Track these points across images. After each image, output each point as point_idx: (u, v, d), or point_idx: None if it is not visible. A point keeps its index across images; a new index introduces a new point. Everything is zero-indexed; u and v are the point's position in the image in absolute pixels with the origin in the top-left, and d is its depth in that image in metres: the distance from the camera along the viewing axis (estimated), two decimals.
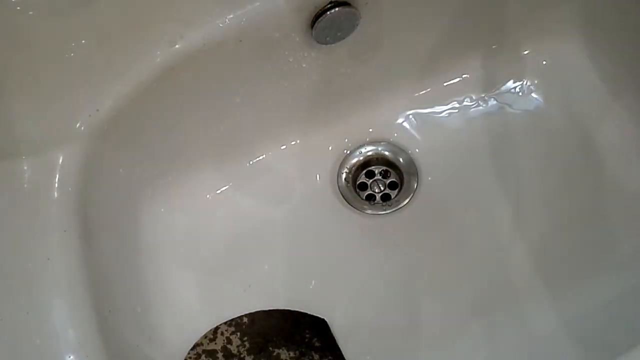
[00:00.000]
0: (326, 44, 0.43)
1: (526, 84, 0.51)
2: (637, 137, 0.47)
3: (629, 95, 0.47)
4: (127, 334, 0.38)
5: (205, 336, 0.40)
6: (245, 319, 0.40)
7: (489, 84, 0.52)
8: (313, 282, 0.47)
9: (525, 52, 0.52)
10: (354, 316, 0.45)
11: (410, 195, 0.49)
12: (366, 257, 0.48)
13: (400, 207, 0.49)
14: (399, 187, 0.50)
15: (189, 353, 0.39)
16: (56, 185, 0.36)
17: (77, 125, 0.38)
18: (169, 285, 0.44)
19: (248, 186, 0.49)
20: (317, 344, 0.39)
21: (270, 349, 0.39)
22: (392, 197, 0.50)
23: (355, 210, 0.49)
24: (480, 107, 0.51)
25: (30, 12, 0.34)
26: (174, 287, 0.44)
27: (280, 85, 0.46)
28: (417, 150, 0.50)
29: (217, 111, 0.45)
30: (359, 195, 0.50)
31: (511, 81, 0.52)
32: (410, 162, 0.50)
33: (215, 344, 0.39)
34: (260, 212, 0.49)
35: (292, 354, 0.38)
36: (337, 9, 0.40)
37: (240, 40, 0.40)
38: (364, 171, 0.51)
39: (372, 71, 0.49)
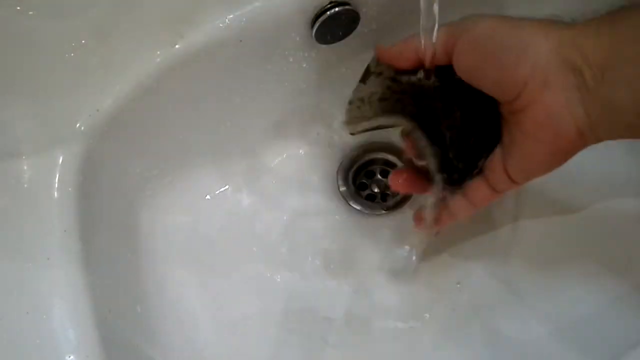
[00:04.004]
0: (326, 43, 0.43)
1: None
2: None
3: None
4: (127, 334, 0.38)
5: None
6: None
7: None
8: (313, 281, 0.47)
9: None
10: (355, 315, 0.45)
11: (410, 195, 0.49)
12: (366, 256, 0.48)
13: (400, 207, 0.49)
14: None
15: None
16: (56, 185, 0.36)
17: (77, 125, 0.38)
18: (169, 285, 0.44)
19: (248, 186, 0.49)
20: None
21: None
22: (392, 197, 0.50)
23: (355, 210, 0.49)
24: None
25: (30, 12, 0.34)
26: (173, 287, 0.44)
27: (280, 85, 0.46)
28: None
29: (217, 111, 0.45)
30: (359, 195, 0.50)
31: None
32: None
33: None
34: (259, 213, 0.49)
35: None
36: (337, 9, 0.40)
37: (240, 40, 0.40)
38: (364, 171, 0.51)
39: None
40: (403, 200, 0.49)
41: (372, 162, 0.51)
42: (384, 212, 0.49)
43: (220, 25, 0.39)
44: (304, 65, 0.45)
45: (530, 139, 0.31)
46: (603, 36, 0.28)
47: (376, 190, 0.51)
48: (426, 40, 0.32)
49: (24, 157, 0.37)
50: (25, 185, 0.36)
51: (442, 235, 0.45)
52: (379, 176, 0.51)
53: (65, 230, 0.35)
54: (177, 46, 0.39)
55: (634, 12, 0.28)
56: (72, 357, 0.32)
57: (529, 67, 0.29)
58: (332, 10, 0.40)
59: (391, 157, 0.51)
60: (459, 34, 0.31)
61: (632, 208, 0.45)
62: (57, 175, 0.37)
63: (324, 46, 0.43)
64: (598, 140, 0.30)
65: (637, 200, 0.45)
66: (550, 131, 0.30)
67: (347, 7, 0.40)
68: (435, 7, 0.30)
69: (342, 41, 0.43)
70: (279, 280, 0.47)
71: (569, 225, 0.46)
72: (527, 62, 0.29)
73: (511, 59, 0.30)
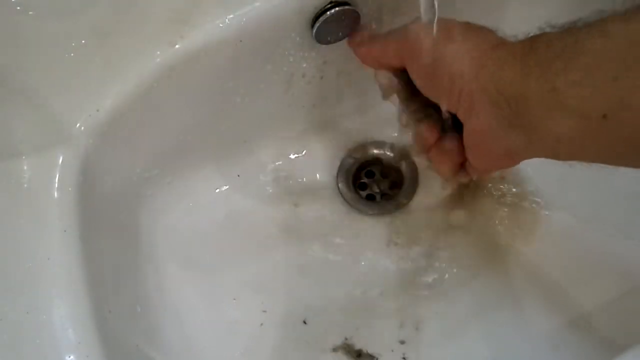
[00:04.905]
0: (326, 43, 0.43)
1: None
2: None
3: None
4: (127, 334, 0.38)
5: None
6: None
7: None
8: (313, 281, 0.47)
9: None
10: (355, 315, 0.45)
11: (411, 196, 0.49)
12: (366, 256, 0.48)
13: (401, 208, 0.49)
14: (399, 187, 0.50)
15: None
16: (56, 185, 0.36)
17: (77, 125, 0.38)
18: (169, 285, 0.44)
19: (248, 186, 0.49)
20: None
21: None
22: (392, 197, 0.50)
23: (355, 210, 0.49)
24: None
25: (30, 12, 0.34)
26: (174, 287, 0.44)
27: (280, 85, 0.46)
28: None
29: (217, 111, 0.45)
30: (359, 195, 0.50)
31: None
32: (411, 162, 0.50)
33: None
34: (259, 212, 0.49)
35: None
36: (337, 8, 0.40)
37: (240, 40, 0.40)
38: (364, 171, 0.51)
39: (373, 71, 0.49)
40: (403, 201, 0.49)
41: (372, 162, 0.51)
42: (384, 212, 0.49)
43: (220, 25, 0.39)
44: (304, 65, 0.45)
45: (470, 148, 0.35)
46: (515, 68, 0.29)
47: (376, 190, 0.51)
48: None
49: (24, 157, 0.37)
50: (25, 185, 0.36)
51: (442, 239, 0.45)
52: (379, 176, 0.51)
53: (65, 230, 0.35)
54: (177, 46, 0.39)
55: (544, 42, 0.28)
56: (72, 357, 0.32)
57: (456, 94, 0.32)
58: (332, 10, 0.40)
59: (392, 158, 0.51)
60: (406, 53, 0.35)
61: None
62: (57, 175, 0.37)
63: (324, 46, 0.43)
64: (532, 157, 0.32)
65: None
66: (480, 149, 0.34)
67: (347, 7, 0.40)
68: (435, 4, 0.31)
69: (342, 41, 0.43)
70: (279, 280, 0.47)
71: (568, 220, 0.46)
72: (454, 91, 0.32)
73: (441, 89, 0.33)
